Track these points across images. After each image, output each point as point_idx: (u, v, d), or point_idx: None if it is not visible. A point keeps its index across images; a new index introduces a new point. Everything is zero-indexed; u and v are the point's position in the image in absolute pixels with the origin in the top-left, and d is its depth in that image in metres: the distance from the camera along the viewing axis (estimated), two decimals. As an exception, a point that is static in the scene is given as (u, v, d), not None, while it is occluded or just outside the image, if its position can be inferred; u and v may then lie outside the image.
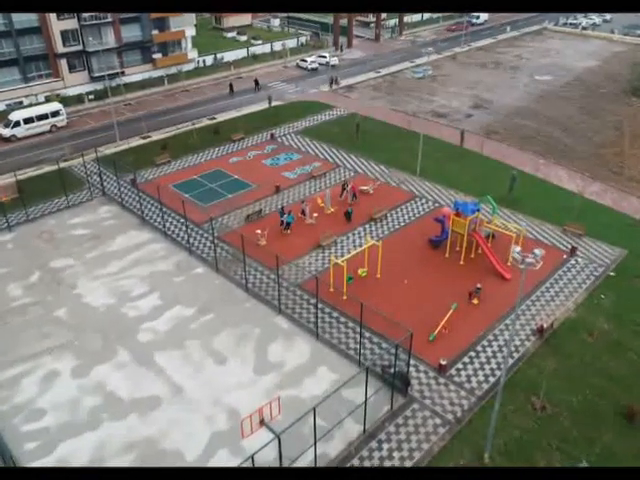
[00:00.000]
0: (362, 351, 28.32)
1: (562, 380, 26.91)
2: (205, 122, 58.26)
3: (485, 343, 29.30)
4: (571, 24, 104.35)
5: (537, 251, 19.22)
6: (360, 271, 33.92)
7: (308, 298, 32.42)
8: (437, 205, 42.34)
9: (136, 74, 70.68)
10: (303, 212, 40.32)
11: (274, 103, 62.74)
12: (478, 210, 34.70)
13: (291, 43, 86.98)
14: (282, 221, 38.82)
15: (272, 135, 54.38)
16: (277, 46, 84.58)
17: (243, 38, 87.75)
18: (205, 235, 38.58)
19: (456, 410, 25.42)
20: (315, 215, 39.92)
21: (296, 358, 28.24)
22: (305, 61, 77.26)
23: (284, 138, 54.49)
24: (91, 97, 63.88)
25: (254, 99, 64.43)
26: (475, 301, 31.92)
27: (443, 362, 27.38)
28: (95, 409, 25.51)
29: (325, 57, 77.61)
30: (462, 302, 31.94)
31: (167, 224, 39.81)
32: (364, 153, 50.89)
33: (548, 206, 42.35)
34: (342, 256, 36.26)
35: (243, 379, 26.95)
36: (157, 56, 72.27)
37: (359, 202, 42.49)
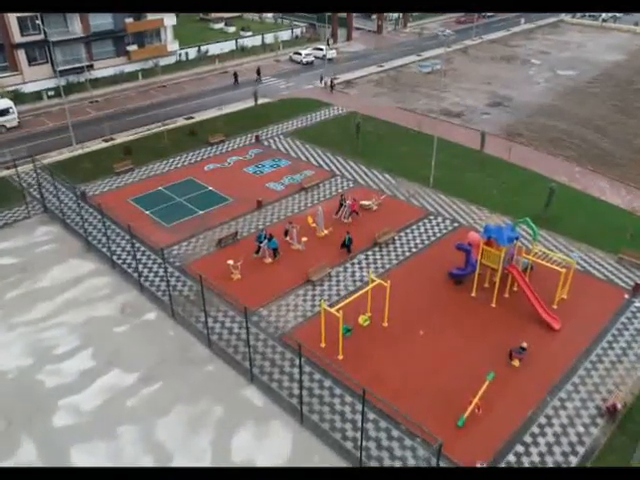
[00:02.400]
0: (364, 443, 20.11)
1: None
2: (181, 122, 50.05)
3: (535, 430, 21.04)
4: (590, 16, 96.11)
5: None
6: (361, 318, 25.68)
7: (292, 357, 24.20)
8: (456, 225, 34.10)
9: (108, 68, 62.36)
10: (286, 233, 32.10)
11: (262, 100, 54.50)
12: (517, 238, 26.44)
13: (285, 35, 78.86)
14: (259, 247, 30.61)
15: (257, 137, 46.17)
16: (269, 38, 76.40)
17: (232, 29, 79.60)
18: (163, 266, 30.33)
19: None
20: (304, 240, 31.68)
21: (271, 456, 19.99)
22: (299, 54, 69.09)
23: (271, 141, 46.28)
24: (51, 94, 55.62)
25: (243, 95, 56.17)
26: (516, 363, 23.69)
27: (481, 465, 19.17)
28: None
29: (321, 50, 69.39)
30: (498, 364, 23.73)
31: (118, 250, 31.62)
32: (365, 159, 42.70)
33: (593, 226, 34.18)
34: (337, 295, 28.06)
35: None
36: (132, 48, 63.99)
37: (360, 219, 34.30)
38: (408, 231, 33.57)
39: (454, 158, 42.71)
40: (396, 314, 26.27)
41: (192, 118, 50.92)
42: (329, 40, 74.04)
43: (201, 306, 26.34)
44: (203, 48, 70.84)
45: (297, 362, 23.64)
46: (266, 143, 45.80)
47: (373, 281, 25.56)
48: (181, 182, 39.31)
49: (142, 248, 31.83)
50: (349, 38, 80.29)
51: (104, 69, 62.03)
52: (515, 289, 28.12)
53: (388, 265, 30.47)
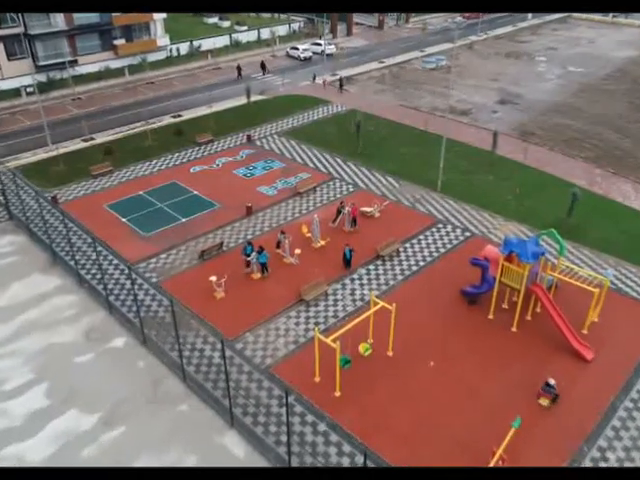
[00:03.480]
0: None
1: None
2: (167, 120, 46.50)
3: (572, 489, 17.48)
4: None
5: None
6: (362, 347, 22.08)
7: (280, 394, 20.63)
8: (468, 235, 30.54)
9: (93, 63, 58.72)
10: (279, 245, 28.57)
11: (255, 97, 50.93)
12: (543, 254, 22.86)
13: (282, 30, 75.21)
14: (248, 262, 27.07)
15: (249, 137, 42.60)
16: (265, 33, 72.79)
17: (226, 24, 75.96)
18: (139, 282, 26.81)
19: None
20: (297, 252, 28.09)
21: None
22: (297, 49, 65.52)
23: (264, 141, 42.72)
24: (30, 90, 52.02)
25: (235, 91, 52.55)
26: (544, 402, 20.14)
27: None
28: None
29: (320, 45, 65.83)
30: (523, 403, 20.20)
31: (88, 264, 28.07)
32: (366, 161, 39.16)
33: (620, 236, 30.64)
34: (335, 317, 24.52)
35: None
36: (119, 42, 60.41)
37: (360, 228, 30.77)
38: (414, 241, 30.01)
39: (463, 160, 39.15)
40: (402, 341, 22.71)
41: (180, 116, 47.38)
42: (322, 35, 70.62)
43: (180, 329, 22.85)
44: (195, 43, 67.22)
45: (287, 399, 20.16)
46: (258, 143, 42.24)
47: (375, 304, 21.97)
48: (164, 186, 35.75)
49: (115, 261, 28.29)
50: (349, 33, 76.73)
51: (89, 65, 58.41)
52: (538, 310, 24.58)
53: (392, 281, 26.91)
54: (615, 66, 63.76)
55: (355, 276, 27.22)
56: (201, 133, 42.35)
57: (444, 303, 25.38)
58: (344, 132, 43.36)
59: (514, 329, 23.69)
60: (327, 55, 63.61)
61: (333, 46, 67.26)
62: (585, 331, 23.55)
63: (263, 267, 26.85)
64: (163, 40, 64.04)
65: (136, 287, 26.20)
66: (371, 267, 27.90)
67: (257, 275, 27.01)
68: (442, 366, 21.97)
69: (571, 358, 22.19)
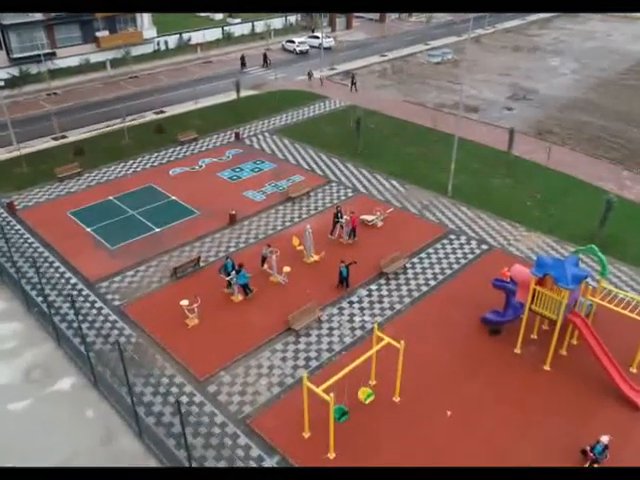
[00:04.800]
0: None
1: None
2: (149, 117, 42.33)
3: None
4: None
5: None
6: (363, 393, 17.81)
7: (260, 455, 16.44)
8: (485, 248, 26.36)
9: (73, 56, 54.58)
10: (264, 261, 24.40)
11: (246, 92, 46.76)
12: (585, 278, 18.64)
13: (277, 23, 71.04)
14: (229, 282, 22.93)
15: (237, 135, 38.41)
16: (260, 26, 68.60)
17: (218, 16, 71.82)
18: (98, 305, 22.66)
19: None
20: (286, 270, 23.87)
21: None
22: (292, 42, 61.31)
23: (254, 139, 38.53)
24: (1, 84, 47.86)
25: (225, 86, 48.34)
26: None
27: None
28: None
29: (317, 38, 61.62)
30: (564, 462, 16.01)
31: (40, 284, 23.86)
32: (367, 162, 35.00)
33: (661, 249, 26.48)
34: (329, 350, 20.36)
35: None
36: (102, 34, 56.25)
37: (360, 239, 26.61)
38: (423, 256, 25.82)
39: (475, 160, 34.98)
40: (411, 382, 18.52)
41: (163, 112, 43.20)
42: (313, 29, 66.57)
43: (141, 366, 18.82)
44: (185, 36, 63.06)
45: (272, 463, 16.05)
46: (248, 142, 38.05)
47: (380, 339, 17.76)
48: (138, 190, 31.60)
49: (73, 280, 24.12)
50: (348, 26, 72.50)
51: (69, 58, 54.28)
52: (575, 342, 20.41)
53: (398, 305, 22.72)
54: (633, 61, 59.47)
55: (354, 298, 23.04)
56: (184, 131, 38.17)
57: (461, 333, 21.19)
58: (342, 130, 39.20)
59: (547, 367, 19.49)
60: (325, 48, 59.37)
61: (332, 39, 63.12)
62: (634, 369, 19.39)
63: (244, 288, 22.64)
64: (150, 32, 59.93)
65: (94, 312, 22.12)
66: (373, 287, 23.72)
67: (238, 298, 22.83)
68: (461, 417, 17.77)
69: (620, 406, 18.01)
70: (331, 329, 21.41)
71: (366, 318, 21.87)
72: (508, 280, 20.38)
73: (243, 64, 54.59)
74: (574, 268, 18.18)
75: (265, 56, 55.78)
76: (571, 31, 73.11)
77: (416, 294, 23.32)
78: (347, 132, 38.21)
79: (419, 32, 70.97)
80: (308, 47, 61.15)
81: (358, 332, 21.22)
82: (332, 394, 15.47)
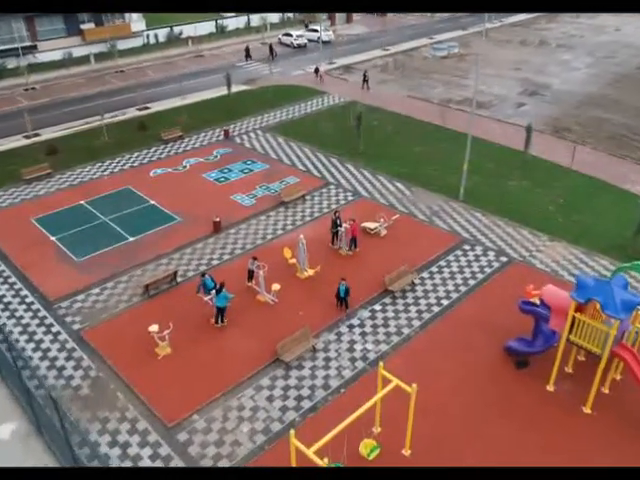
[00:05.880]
0: None
1: None
2: (132, 113, 39.02)
3: None
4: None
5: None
6: (366, 447, 14.54)
7: (237, 529, 13.13)
8: (505, 260, 23.05)
9: (56, 50, 51.34)
10: (251, 276, 21.12)
11: (239, 87, 43.48)
12: (639, 304, 15.30)
13: (274, 16, 67.71)
14: (210, 299, 19.67)
15: (226, 133, 35.10)
16: (255, 20, 65.34)
17: (212, 10, 68.52)
18: (55, 330, 19.37)
19: None
20: (275, 288, 20.52)
21: None
22: (290, 36, 58.03)
23: (245, 137, 35.25)
24: (-26, 78, 44.76)
25: (216, 82, 45.02)
26: None
27: None
28: None
29: (316, 31, 58.32)
30: None
31: (-9, 302, 20.63)
32: (369, 162, 31.73)
33: None
34: (325, 387, 17.05)
35: None
36: (87, 26, 53.06)
37: (362, 251, 23.33)
38: (434, 270, 22.51)
39: (489, 161, 31.69)
40: (424, 429, 15.22)
41: (147, 108, 39.89)
42: (307, 24, 63.30)
43: (98, 406, 15.55)
44: (176, 29, 59.82)
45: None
46: (238, 140, 34.76)
47: (386, 381, 14.41)
48: (113, 193, 28.35)
49: (29, 299, 20.85)
50: (348, 20, 69.29)
51: (51, 51, 51.05)
52: (618, 377, 17.12)
53: (406, 329, 19.41)
54: (650, 54, 56.27)
55: (354, 321, 19.74)
56: (168, 128, 34.87)
57: (482, 365, 17.88)
58: (342, 127, 35.91)
59: (587, 409, 16.17)
60: (324, 42, 56.07)
61: (331, 32, 59.86)
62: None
63: (219, 313, 19.23)
64: (139, 25, 56.86)
65: (49, 338, 18.83)
66: (376, 307, 20.42)
67: (218, 323, 19.52)
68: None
69: (681, 461, 14.71)
70: (327, 360, 18.10)
71: (369, 346, 18.57)
72: (537, 301, 17.07)
73: (248, 55, 51.86)
74: (623, 292, 14.88)
75: (271, 48, 52.95)
76: (581, 25, 69.83)
77: (427, 316, 20.01)
78: (347, 130, 34.90)
79: (422, 26, 67.70)
80: (306, 41, 57.93)
81: (359, 363, 17.91)
82: (326, 459, 12.16)
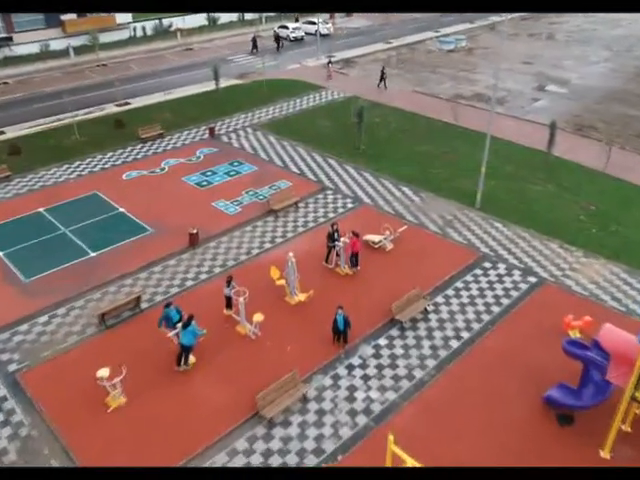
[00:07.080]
0: None
1: None
2: (109, 110, 35.36)
3: None
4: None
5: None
6: None
7: None
8: (534, 281, 19.35)
9: (35, 42, 47.70)
10: (229, 303, 17.47)
11: (229, 82, 39.84)
12: None
13: (270, 9, 64.09)
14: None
15: (211, 131, 31.42)
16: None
17: (204, 2, 64.91)
18: (-16, 371, 15.74)
19: None
20: (258, 319, 16.81)
21: None
22: (286, 28, 54.36)
23: (232, 136, 31.59)
24: (-60, 72, 41.09)
25: (205, 76, 41.35)
26: None
27: None
28: None
29: (314, 24, 54.65)
30: None
31: None
32: (372, 163, 28.07)
33: None
34: (318, 452, 13.36)
35: None
36: (68, 17, 49.39)
37: (364, 270, 19.66)
38: (450, 293, 18.84)
39: (507, 162, 28.05)
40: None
41: (127, 104, 36.23)
42: (297, 17, 59.66)
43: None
44: (165, 21, 56.14)
45: None
46: (225, 139, 31.10)
47: (397, 459, 10.75)
48: (78, 199, 24.70)
49: (-41, 330, 17.18)
50: (348, 13, 65.61)
51: (28, 44, 47.41)
52: (689, 440, 13.47)
53: (419, 371, 15.73)
54: (672, 48, 52.64)
55: (355, 360, 16.06)
56: (147, 126, 31.23)
57: (514, 421, 14.19)
58: (341, 125, 32.29)
59: (656, 485, 12.50)
60: (322, 35, 52.44)
61: (330, 25, 56.24)
62: None
63: (184, 352, 15.52)
64: (124, 17, 53.01)
65: (-28, 385, 15.13)
66: (382, 342, 16.73)
67: (190, 359, 15.86)
68: None
69: None
70: (321, 414, 14.42)
71: (373, 394, 14.90)
72: (591, 345, 13.41)
73: (255, 46, 48.45)
74: None
75: (278, 38, 50.09)
76: (595, 18, 66.11)
77: (444, 353, 16.32)
78: (347, 127, 31.27)
79: (427, 19, 63.95)
80: (303, 34, 54.29)
81: (361, 419, 14.24)
82: None
